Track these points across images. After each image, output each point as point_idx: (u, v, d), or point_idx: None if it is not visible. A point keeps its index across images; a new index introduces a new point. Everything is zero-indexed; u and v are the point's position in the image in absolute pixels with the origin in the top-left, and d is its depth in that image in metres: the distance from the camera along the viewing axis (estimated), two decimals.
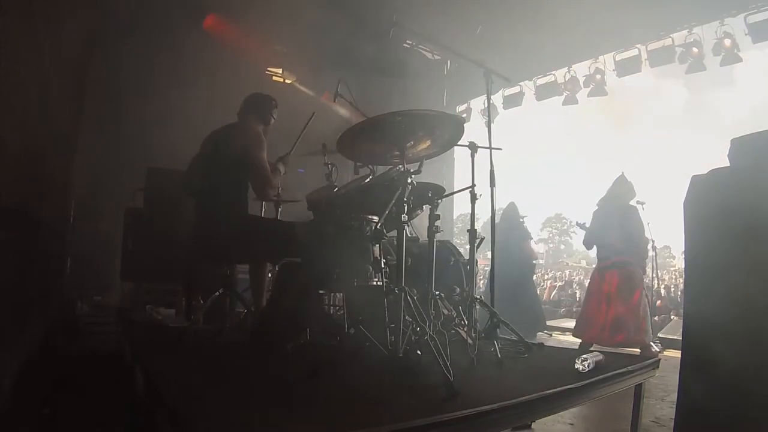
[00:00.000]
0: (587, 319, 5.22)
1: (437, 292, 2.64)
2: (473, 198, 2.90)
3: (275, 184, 3.34)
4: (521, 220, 7.01)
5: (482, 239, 2.93)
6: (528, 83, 8.52)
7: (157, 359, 2.34)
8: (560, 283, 14.09)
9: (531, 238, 7.30)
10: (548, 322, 7.86)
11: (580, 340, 5.26)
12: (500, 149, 2.96)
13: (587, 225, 5.47)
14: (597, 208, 5.46)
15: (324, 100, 7.75)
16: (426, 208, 2.82)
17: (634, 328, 4.86)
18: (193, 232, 3.22)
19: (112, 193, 5.62)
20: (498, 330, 2.61)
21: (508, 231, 6.64)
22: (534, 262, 7.10)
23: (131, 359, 2.67)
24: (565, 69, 8.09)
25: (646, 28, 6.98)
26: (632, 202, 5.35)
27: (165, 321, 3.81)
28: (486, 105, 2.90)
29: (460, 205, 10.54)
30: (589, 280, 5.74)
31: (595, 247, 5.48)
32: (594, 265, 5.99)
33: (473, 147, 2.95)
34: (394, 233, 2.41)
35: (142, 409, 2.16)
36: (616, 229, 5.07)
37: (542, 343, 3.03)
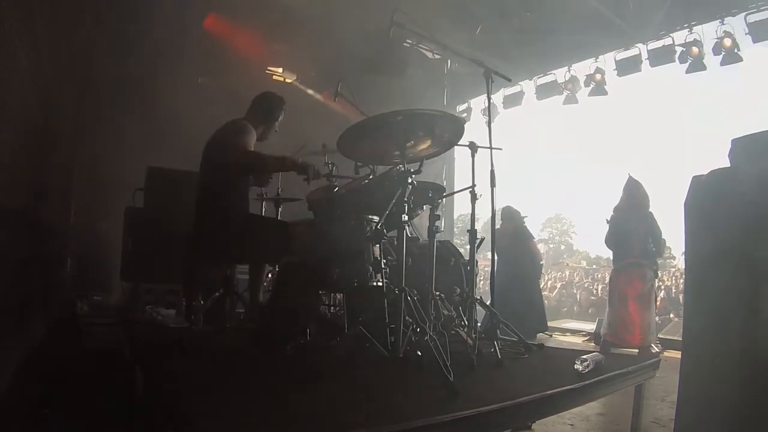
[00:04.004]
0: (615, 321, 5.54)
1: (437, 293, 2.64)
2: (473, 198, 2.90)
3: (254, 154, 3.12)
4: (522, 221, 7.02)
5: (482, 239, 2.93)
6: (528, 83, 8.52)
7: (157, 359, 2.34)
8: (561, 284, 14.08)
9: (534, 238, 7.33)
10: (549, 323, 7.86)
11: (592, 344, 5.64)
12: (500, 149, 2.96)
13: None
14: (614, 214, 5.76)
15: (324, 100, 7.76)
16: (426, 208, 2.82)
17: (648, 327, 5.33)
18: (193, 232, 3.22)
19: (112, 193, 5.61)
20: (498, 330, 2.61)
21: (513, 232, 6.68)
22: (537, 263, 7.11)
23: (131, 359, 2.67)
24: (566, 68, 8.09)
25: (645, 27, 6.97)
26: (650, 209, 5.66)
27: (165, 321, 3.81)
28: (486, 104, 2.90)
29: (460, 206, 10.54)
30: (609, 284, 6.07)
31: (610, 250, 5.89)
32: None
33: (473, 147, 2.95)
34: (394, 233, 2.41)
35: (142, 409, 2.16)
36: (635, 235, 5.45)
37: (542, 344, 3.03)
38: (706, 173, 2.19)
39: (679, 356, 2.23)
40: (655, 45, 7.07)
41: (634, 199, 5.63)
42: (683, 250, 2.44)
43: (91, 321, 4.17)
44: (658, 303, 8.31)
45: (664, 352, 5.83)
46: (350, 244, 2.53)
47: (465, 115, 9.16)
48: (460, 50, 2.98)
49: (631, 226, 5.48)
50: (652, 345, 5.55)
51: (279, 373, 2.13)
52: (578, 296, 12.73)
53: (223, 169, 3.07)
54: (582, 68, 7.99)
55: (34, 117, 2.83)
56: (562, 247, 44.39)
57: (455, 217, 11.18)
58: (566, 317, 10.84)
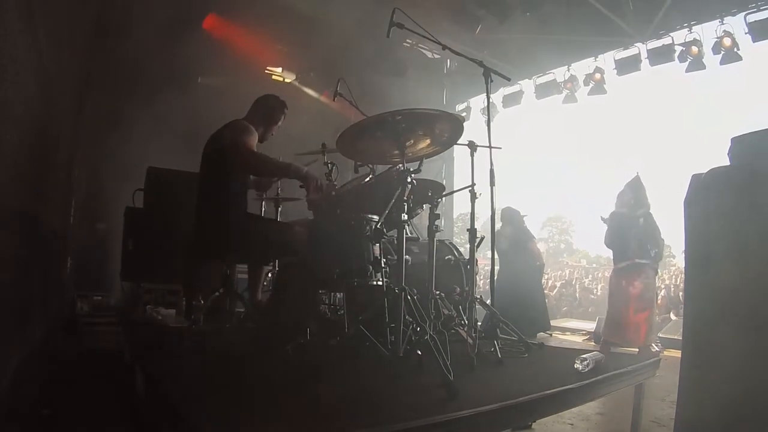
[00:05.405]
0: (616, 321, 5.51)
1: (437, 292, 2.64)
2: (473, 197, 2.90)
3: (256, 154, 3.07)
4: (522, 221, 7.02)
5: (482, 238, 2.92)
6: (527, 82, 8.53)
7: (157, 359, 2.34)
8: (561, 283, 14.08)
9: (534, 238, 7.32)
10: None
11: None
12: (500, 148, 2.95)
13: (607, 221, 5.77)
14: (615, 210, 5.70)
15: (324, 99, 7.76)
16: (426, 207, 2.81)
17: (649, 327, 5.31)
18: (193, 232, 3.22)
19: (112, 193, 5.61)
20: (498, 329, 2.61)
21: (513, 234, 6.69)
22: (538, 263, 7.10)
23: (131, 359, 2.67)
24: (565, 68, 8.10)
25: (645, 26, 6.97)
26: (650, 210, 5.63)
27: (165, 321, 3.81)
28: (486, 104, 2.89)
29: (460, 205, 10.55)
30: (609, 284, 6.03)
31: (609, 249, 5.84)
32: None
33: (473, 146, 2.94)
34: (394, 232, 2.41)
35: (142, 408, 2.16)
36: (636, 235, 5.41)
37: (542, 343, 3.03)
38: (705, 171, 2.18)
39: (679, 356, 2.23)
40: (654, 44, 7.07)
41: (636, 199, 5.60)
42: (683, 248, 2.44)
43: (91, 321, 4.18)
44: (658, 302, 8.34)
45: (664, 352, 5.85)
46: (350, 244, 2.53)
47: (464, 114, 9.16)
48: (459, 50, 2.97)
49: (632, 226, 5.46)
50: (652, 344, 5.55)
51: (279, 373, 2.13)
52: (578, 295, 12.73)
53: (223, 169, 3.07)
54: (581, 67, 8.02)
55: (36, 117, 2.83)
56: (562, 246, 44.38)
57: (455, 216, 11.19)
58: (566, 316, 10.84)
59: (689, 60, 6.79)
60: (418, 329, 2.08)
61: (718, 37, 6.54)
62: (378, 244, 2.49)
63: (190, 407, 1.53)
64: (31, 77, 2.57)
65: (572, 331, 8.55)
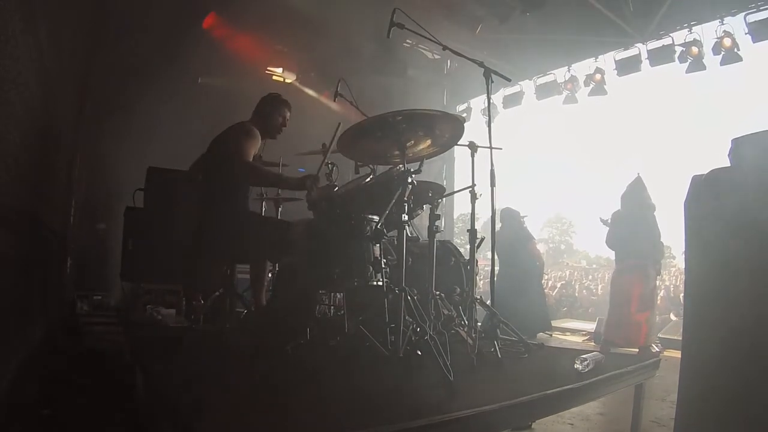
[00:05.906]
0: (616, 321, 5.53)
1: (437, 292, 2.64)
2: (473, 198, 2.90)
3: (251, 167, 3.12)
4: (522, 221, 7.03)
5: (482, 239, 2.92)
6: (528, 82, 8.52)
7: (157, 359, 2.34)
8: (561, 283, 14.07)
9: (534, 239, 7.32)
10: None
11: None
12: (500, 149, 2.95)
13: (609, 222, 5.77)
14: (619, 211, 5.70)
15: (324, 100, 7.76)
16: (426, 207, 2.81)
17: (650, 328, 5.36)
18: (193, 231, 3.22)
19: (112, 193, 5.61)
20: (498, 330, 2.61)
21: (513, 235, 6.69)
22: (538, 264, 7.10)
23: (131, 359, 2.67)
24: (565, 68, 8.09)
25: (645, 27, 6.97)
26: (653, 211, 5.64)
27: (165, 321, 3.81)
28: (486, 104, 2.90)
29: (460, 205, 10.54)
30: (611, 284, 6.04)
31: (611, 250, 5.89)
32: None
33: (473, 147, 2.94)
34: (394, 233, 2.41)
35: (142, 408, 2.16)
36: (638, 236, 5.41)
37: (542, 344, 3.03)
38: (706, 173, 2.19)
39: (679, 356, 2.23)
40: (654, 45, 7.07)
41: (638, 200, 5.59)
42: (683, 249, 2.44)
43: (91, 321, 4.17)
44: (658, 302, 8.33)
45: (664, 352, 5.85)
46: (350, 244, 2.53)
47: (465, 115, 9.15)
48: (460, 50, 2.97)
49: (634, 226, 5.45)
50: (652, 345, 5.56)
51: (279, 373, 2.13)
52: (578, 296, 12.72)
53: (226, 171, 3.08)
54: (582, 68, 8.01)
55: (37, 117, 2.83)
56: (562, 246, 44.39)
57: (455, 216, 11.18)
58: (566, 317, 10.84)
59: (689, 60, 6.78)
60: (418, 329, 2.08)
61: (718, 38, 6.53)
62: (378, 245, 2.50)
63: (189, 407, 1.53)
64: (33, 77, 2.57)
65: (572, 331, 8.56)
